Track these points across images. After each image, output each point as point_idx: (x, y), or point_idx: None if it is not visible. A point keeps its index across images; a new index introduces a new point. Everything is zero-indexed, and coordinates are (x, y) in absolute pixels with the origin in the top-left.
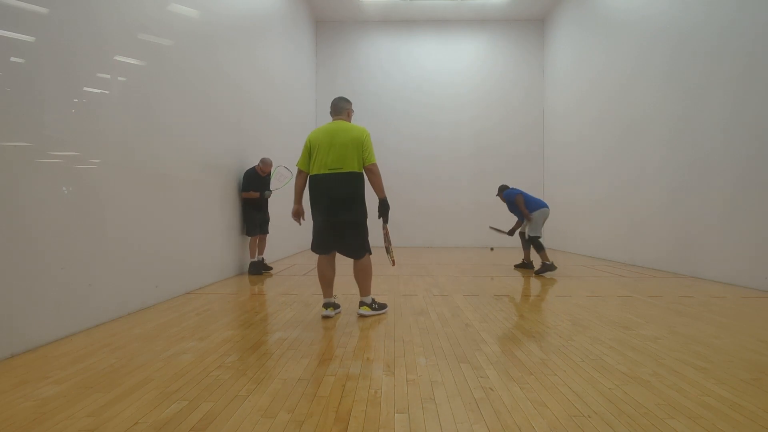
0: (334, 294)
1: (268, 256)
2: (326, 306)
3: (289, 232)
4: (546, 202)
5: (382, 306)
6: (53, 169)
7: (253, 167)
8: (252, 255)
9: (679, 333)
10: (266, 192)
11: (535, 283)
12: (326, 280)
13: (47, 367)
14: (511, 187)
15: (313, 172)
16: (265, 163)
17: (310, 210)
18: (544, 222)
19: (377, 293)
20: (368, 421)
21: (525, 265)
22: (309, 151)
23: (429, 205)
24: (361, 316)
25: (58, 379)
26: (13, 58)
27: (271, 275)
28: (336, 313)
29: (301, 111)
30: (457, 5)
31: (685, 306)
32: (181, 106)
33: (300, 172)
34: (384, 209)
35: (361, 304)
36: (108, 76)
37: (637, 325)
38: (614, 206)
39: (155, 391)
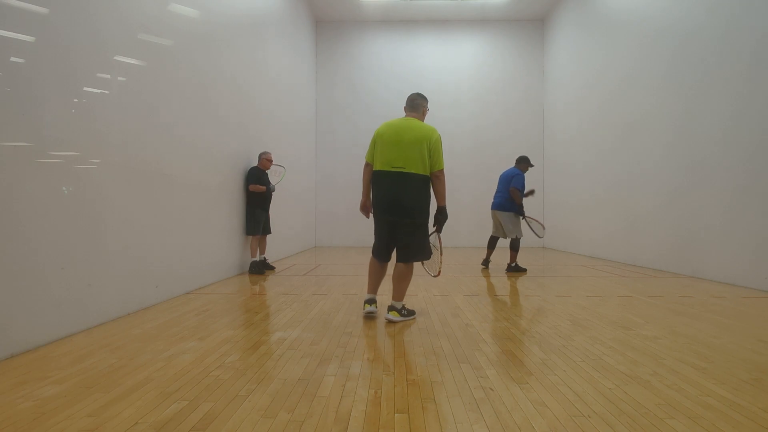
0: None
1: (269, 256)
2: (369, 302)
3: (289, 233)
4: (496, 202)
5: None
6: (53, 169)
7: (255, 166)
8: (253, 255)
9: (679, 333)
10: (271, 186)
11: (535, 284)
12: (374, 277)
13: (47, 367)
14: (516, 166)
15: (377, 167)
16: (267, 154)
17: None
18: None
19: (378, 293)
20: (368, 421)
21: (511, 268)
22: (374, 144)
23: None
24: (390, 321)
25: (58, 379)
26: (13, 58)
27: (275, 274)
28: (376, 311)
29: (301, 110)
30: (457, 5)
31: (685, 306)
32: (181, 106)
33: (366, 164)
34: (441, 217)
35: (390, 308)
36: (108, 76)
37: (637, 325)
38: (614, 206)
39: (155, 391)
